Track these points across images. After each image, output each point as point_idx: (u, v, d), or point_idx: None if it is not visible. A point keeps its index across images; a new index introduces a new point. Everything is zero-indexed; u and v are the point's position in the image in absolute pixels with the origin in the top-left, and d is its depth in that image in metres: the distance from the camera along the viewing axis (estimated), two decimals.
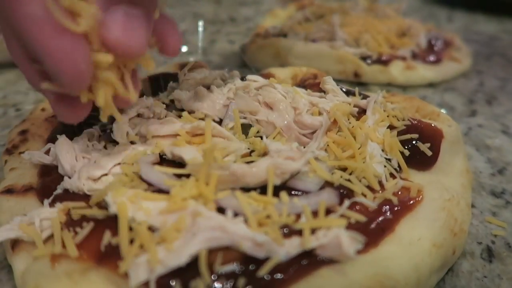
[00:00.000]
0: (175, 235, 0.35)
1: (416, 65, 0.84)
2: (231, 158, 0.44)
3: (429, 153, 0.48)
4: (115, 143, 0.47)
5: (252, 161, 0.42)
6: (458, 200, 0.44)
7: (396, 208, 0.41)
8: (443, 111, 0.59)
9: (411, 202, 0.43)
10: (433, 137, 0.49)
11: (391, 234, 0.39)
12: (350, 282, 0.35)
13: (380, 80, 0.83)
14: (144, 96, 0.53)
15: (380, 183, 0.44)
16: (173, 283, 0.33)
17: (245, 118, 0.50)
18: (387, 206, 0.41)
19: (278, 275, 0.34)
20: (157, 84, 0.60)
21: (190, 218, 0.36)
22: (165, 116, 0.50)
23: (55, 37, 0.32)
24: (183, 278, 0.33)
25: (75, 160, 0.44)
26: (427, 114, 0.56)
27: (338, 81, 0.62)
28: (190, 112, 0.51)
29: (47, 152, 0.47)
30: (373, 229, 0.39)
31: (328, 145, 0.46)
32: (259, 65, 0.87)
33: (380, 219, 0.40)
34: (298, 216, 0.38)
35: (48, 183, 0.45)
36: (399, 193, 0.43)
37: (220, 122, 0.51)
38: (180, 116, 0.51)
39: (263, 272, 0.34)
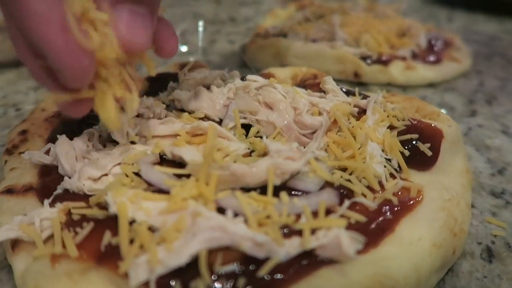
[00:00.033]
0: (175, 235, 0.35)
1: (416, 65, 0.84)
2: (231, 158, 0.44)
3: (429, 153, 0.48)
4: (115, 143, 0.47)
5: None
6: (458, 200, 0.44)
7: (396, 208, 0.41)
8: (443, 111, 0.59)
9: (411, 202, 0.43)
10: (433, 137, 0.49)
11: (391, 234, 0.39)
12: (350, 282, 0.35)
13: (380, 80, 0.83)
14: (144, 96, 0.53)
15: (380, 183, 0.44)
16: (173, 283, 0.33)
17: (245, 118, 0.50)
18: (387, 206, 0.41)
19: (278, 275, 0.34)
20: (157, 84, 0.60)
21: (190, 218, 0.36)
22: (165, 116, 0.50)
23: (59, 33, 0.33)
24: (183, 278, 0.33)
25: (75, 160, 0.44)
26: (427, 114, 0.56)
27: (338, 81, 0.62)
28: (190, 112, 0.52)
29: (47, 152, 0.47)
30: (373, 229, 0.39)
31: (328, 145, 0.46)
32: (259, 65, 0.87)
33: (380, 219, 0.40)
34: (298, 216, 0.38)
35: (48, 183, 0.45)
36: (399, 193, 0.43)
37: (220, 122, 0.51)
38: (180, 116, 0.51)
39: (263, 272, 0.34)
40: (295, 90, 0.54)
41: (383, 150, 0.47)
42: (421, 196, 0.43)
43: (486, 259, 0.44)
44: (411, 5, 1.38)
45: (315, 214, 0.38)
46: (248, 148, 0.47)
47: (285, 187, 0.41)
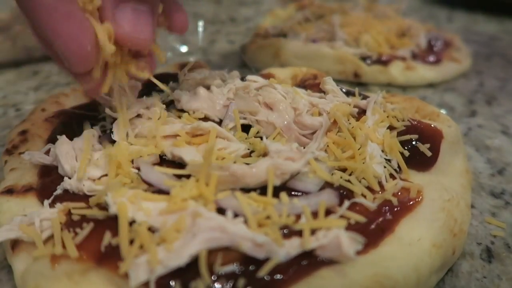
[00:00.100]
0: (175, 236, 0.35)
1: (416, 66, 0.84)
2: (231, 159, 0.44)
3: (429, 153, 0.48)
4: (115, 143, 0.47)
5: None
6: (458, 200, 0.45)
7: (396, 209, 0.41)
8: (443, 111, 0.59)
9: (411, 202, 0.43)
10: (433, 137, 0.50)
11: (391, 234, 0.39)
12: (350, 282, 0.35)
13: (380, 80, 0.83)
14: (144, 96, 0.53)
15: (380, 183, 0.44)
16: (173, 283, 0.33)
17: (245, 118, 0.50)
18: (387, 207, 0.41)
19: (278, 276, 0.34)
20: (157, 85, 0.60)
21: (190, 219, 0.36)
22: (165, 116, 0.50)
23: (63, 22, 0.36)
24: (183, 279, 0.33)
25: (75, 160, 0.44)
26: (427, 114, 0.56)
27: (338, 81, 0.62)
28: (190, 112, 0.51)
29: (47, 153, 0.47)
30: (373, 230, 0.39)
31: (328, 146, 0.46)
32: (259, 65, 0.87)
33: (380, 219, 0.40)
34: (298, 216, 0.38)
35: (48, 184, 0.45)
36: (399, 193, 0.43)
37: (220, 122, 0.51)
38: (180, 116, 0.51)
39: (263, 272, 0.34)
40: (295, 91, 0.54)
41: (383, 151, 0.47)
42: (420, 197, 0.43)
43: (485, 259, 0.44)
44: (411, 5, 1.38)
45: (315, 214, 0.38)
46: (248, 149, 0.47)
47: (285, 188, 0.41)
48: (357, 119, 0.51)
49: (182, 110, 0.52)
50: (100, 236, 0.37)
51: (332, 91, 0.56)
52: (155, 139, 0.46)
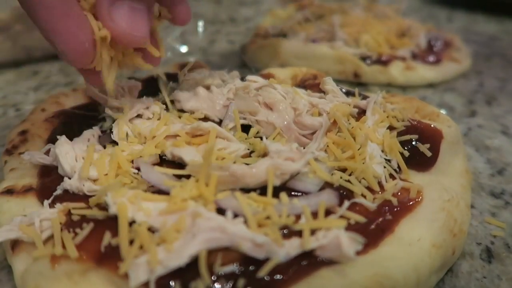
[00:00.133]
0: (175, 236, 0.35)
1: (416, 66, 0.84)
2: (231, 159, 0.44)
3: (429, 153, 0.48)
4: (115, 143, 0.47)
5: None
6: (458, 200, 0.45)
7: (395, 209, 0.41)
8: (442, 111, 0.59)
9: (411, 203, 0.43)
10: (433, 137, 0.50)
11: (391, 235, 0.39)
12: (350, 282, 0.35)
13: (380, 80, 0.83)
14: (144, 97, 0.53)
15: (380, 184, 0.44)
16: (173, 283, 0.33)
17: (244, 118, 0.50)
18: (387, 207, 0.41)
19: (278, 276, 0.34)
20: (157, 85, 0.60)
21: (190, 219, 0.36)
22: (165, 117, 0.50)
23: (62, 20, 0.38)
24: (183, 279, 0.33)
25: (75, 160, 0.44)
26: (426, 114, 0.56)
27: (338, 81, 0.62)
28: (190, 112, 0.52)
29: (47, 153, 0.47)
30: (373, 230, 0.39)
31: (327, 146, 0.46)
32: (259, 65, 0.87)
33: (379, 220, 0.40)
34: (298, 217, 0.38)
35: (48, 184, 0.45)
36: (399, 194, 0.43)
37: (219, 122, 0.51)
38: (180, 117, 0.51)
39: (263, 273, 0.34)
40: (295, 91, 0.54)
41: (382, 151, 0.47)
42: (420, 197, 0.43)
43: (485, 259, 0.44)
44: (411, 5, 1.38)
45: (314, 214, 0.38)
46: (248, 149, 0.47)
47: (285, 188, 0.41)
48: (357, 119, 0.51)
49: (182, 110, 0.52)
50: (100, 236, 0.37)
51: (332, 91, 0.56)
52: (155, 139, 0.46)
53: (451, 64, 0.88)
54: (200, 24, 1.20)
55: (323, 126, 0.47)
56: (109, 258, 0.35)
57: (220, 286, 0.33)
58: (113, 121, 0.49)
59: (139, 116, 0.50)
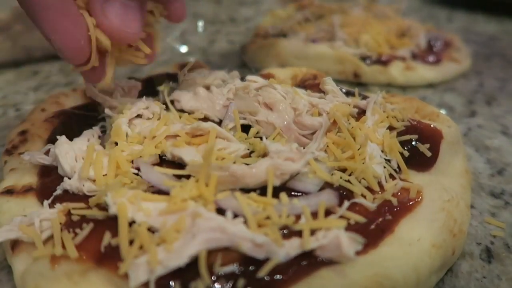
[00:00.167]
0: (175, 236, 0.35)
1: (416, 66, 0.84)
2: (230, 159, 0.44)
3: (429, 154, 0.48)
4: (115, 143, 0.47)
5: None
6: (458, 200, 0.45)
7: (395, 209, 0.41)
8: (442, 111, 0.59)
9: (411, 203, 0.43)
10: (433, 137, 0.50)
11: (391, 235, 0.39)
12: (350, 282, 0.35)
13: (380, 80, 0.83)
14: (144, 97, 0.53)
15: (380, 184, 0.44)
16: (172, 284, 0.33)
17: (244, 118, 0.50)
18: (387, 207, 0.41)
19: (278, 276, 0.34)
20: (157, 84, 0.60)
21: (190, 219, 0.36)
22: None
23: (58, 18, 0.39)
24: (183, 279, 0.33)
25: (74, 160, 0.44)
26: (426, 114, 0.56)
27: (337, 81, 0.62)
28: (190, 112, 0.52)
29: (47, 153, 0.47)
30: (373, 230, 0.39)
31: (327, 146, 0.46)
32: (259, 65, 0.87)
33: (379, 220, 0.40)
34: (298, 217, 0.38)
35: (48, 184, 0.45)
36: (399, 194, 0.43)
37: (219, 122, 0.51)
38: (180, 117, 0.51)
39: (263, 273, 0.34)
40: (294, 91, 0.54)
41: (382, 151, 0.47)
42: (420, 197, 0.43)
43: (485, 259, 0.44)
44: (410, 5, 1.38)
45: (314, 215, 0.38)
46: (248, 149, 0.47)
47: (284, 188, 0.41)
48: (357, 119, 0.51)
49: (182, 110, 0.52)
50: (100, 237, 0.37)
51: (332, 91, 0.56)
52: (155, 139, 0.46)
53: (451, 64, 0.88)
54: (200, 24, 1.20)
55: (323, 126, 0.47)
56: (109, 258, 0.35)
57: (220, 286, 0.33)
58: (113, 121, 0.49)
59: (139, 116, 0.50)
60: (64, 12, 0.39)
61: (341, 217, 0.39)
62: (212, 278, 0.33)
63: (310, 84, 0.63)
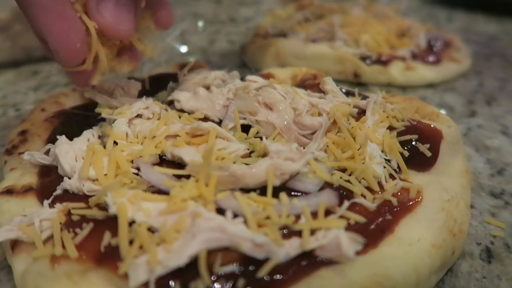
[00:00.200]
0: (174, 236, 0.35)
1: (416, 66, 0.84)
2: (230, 159, 0.44)
3: (429, 154, 0.48)
4: (115, 144, 0.47)
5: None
6: (458, 200, 0.45)
7: (395, 209, 0.41)
8: (442, 111, 0.59)
9: (411, 203, 0.43)
10: (433, 137, 0.50)
11: (391, 235, 0.39)
12: (350, 282, 0.35)
13: (380, 80, 0.83)
14: (144, 97, 0.53)
15: (380, 184, 0.44)
16: (172, 284, 0.33)
17: (244, 118, 0.50)
18: (387, 207, 0.41)
19: (278, 276, 0.34)
20: (157, 84, 0.60)
21: (189, 219, 0.36)
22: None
23: (56, 21, 0.40)
24: (183, 279, 0.33)
25: (74, 160, 0.44)
26: (426, 114, 0.56)
27: (337, 81, 0.62)
28: (190, 112, 0.52)
29: (47, 153, 0.47)
30: (373, 230, 0.39)
31: (327, 146, 0.46)
32: (259, 65, 0.87)
33: (379, 220, 0.40)
34: (298, 217, 0.38)
35: (48, 184, 0.45)
36: (399, 194, 0.43)
37: (219, 122, 0.51)
38: (180, 117, 0.51)
39: (263, 273, 0.34)
40: (294, 91, 0.54)
41: (382, 151, 0.47)
42: (420, 197, 0.43)
43: (485, 259, 0.44)
44: (410, 5, 1.38)
45: (314, 214, 0.38)
46: (248, 149, 0.47)
47: (284, 188, 0.41)
48: (357, 119, 0.51)
49: (182, 110, 0.52)
50: (99, 236, 0.37)
51: (331, 91, 0.56)
52: (155, 139, 0.46)
53: (451, 64, 0.88)
54: (200, 24, 1.20)
55: (323, 126, 0.47)
56: (109, 258, 0.35)
57: (220, 286, 0.33)
58: (113, 121, 0.49)
59: (139, 116, 0.50)
60: (62, 15, 0.40)
61: (341, 217, 0.39)
62: (212, 278, 0.33)
63: (310, 84, 0.63)
